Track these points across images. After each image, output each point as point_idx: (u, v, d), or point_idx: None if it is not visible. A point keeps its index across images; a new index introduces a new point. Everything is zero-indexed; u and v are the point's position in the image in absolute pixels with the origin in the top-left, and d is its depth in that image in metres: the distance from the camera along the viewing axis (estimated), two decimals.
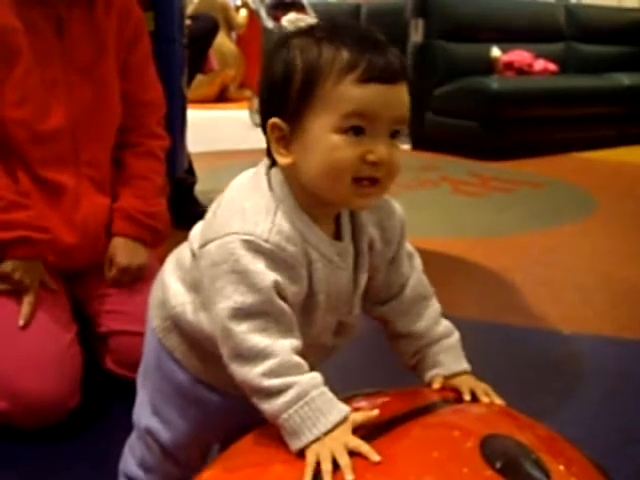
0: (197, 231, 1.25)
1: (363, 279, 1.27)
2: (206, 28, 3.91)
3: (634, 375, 2.37)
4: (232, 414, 1.31)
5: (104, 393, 2.08)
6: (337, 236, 1.22)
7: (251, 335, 1.08)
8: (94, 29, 2.07)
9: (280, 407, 1.06)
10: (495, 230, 4.16)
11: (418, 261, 1.37)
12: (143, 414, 1.39)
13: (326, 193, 1.14)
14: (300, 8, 6.69)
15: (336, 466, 1.00)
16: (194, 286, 1.24)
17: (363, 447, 1.01)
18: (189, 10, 4.37)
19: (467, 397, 1.22)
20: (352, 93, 1.08)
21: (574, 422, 2.02)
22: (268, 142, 1.17)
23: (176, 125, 2.46)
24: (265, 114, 1.16)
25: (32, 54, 1.97)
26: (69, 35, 2.03)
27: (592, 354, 2.54)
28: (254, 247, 1.09)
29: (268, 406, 1.07)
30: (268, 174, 1.18)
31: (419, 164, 5.92)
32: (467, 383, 1.26)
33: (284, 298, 1.11)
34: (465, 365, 1.31)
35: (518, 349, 2.55)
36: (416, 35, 6.43)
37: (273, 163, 1.18)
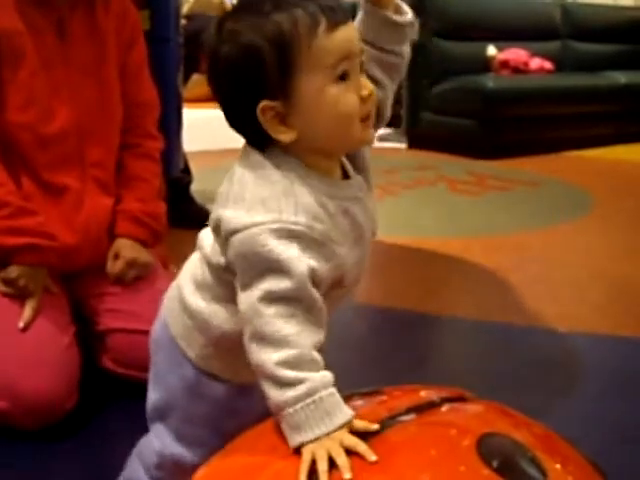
0: (210, 242, 1.24)
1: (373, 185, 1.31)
2: (202, 27, 3.91)
3: (630, 373, 2.37)
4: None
5: (102, 392, 2.08)
6: (345, 175, 1.25)
7: (277, 319, 1.08)
8: (95, 30, 2.07)
9: (287, 400, 1.07)
10: (492, 229, 4.17)
11: None
12: (166, 444, 1.37)
13: (340, 144, 1.19)
14: None
15: (332, 465, 1.00)
16: (228, 298, 1.22)
17: (360, 446, 1.02)
18: (185, 9, 4.37)
19: None
20: (329, 44, 1.12)
21: (570, 420, 2.02)
22: (247, 131, 1.18)
23: (172, 124, 2.46)
24: (237, 105, 1.17)
25: (36, 56, 1.97)
26: (71, 37, 2.03)
27: (588, 352, 2.54)
28: (285, 233, 1.10)
29: (275, 394, 1.08)
30: (265, 156, 1.17)
31: (416, 163, 5.92)
32: None
33: (318, 285, 1.12)
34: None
35: (514, 347, 2.55)
36: None
37: (261, 148, 1.18)
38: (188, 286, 1.31)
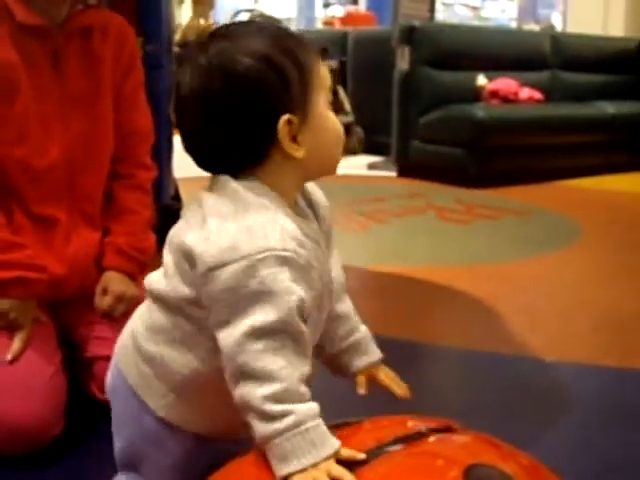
0: (159, 279, 1.24)
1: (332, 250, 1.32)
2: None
3: (615, 403, 2.37)
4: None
5: (88, 418, 2.07)
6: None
7: (265, 355, 1.08)
8: (91, 61, 2.06)
9: (274, 432, 1.07)
10: (480, 258, 4.18)
11: (336, 250, 1.37)
12: None
13: (327, 167, 1.25)
14: None
15: None
16: (187, 341, 1.21)
17: (346, 476, 1.02)
18: (177, 37, 4.39)
19: (400, 391, 1.38)
20: (325, 71, 1.23)
21: (556, 450, 2.02)
22: (223, 157, 1.19)
23: (163, 151, 2.46)
24: (252, 122, 1.16)
25: (30, 89, 1.96)
26: (66, 69, 2.02)
27: (573, 382, 2.54)
28: (275, 261, 1.09)
29: (261, 427, 1.08)
30: (242, 184, 1.17)
31: (405, 191, 5.94)
32: (386, 372, 1.40)
33: (304, 317, 1.12)
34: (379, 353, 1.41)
35: (500, 377, 2.55)
36: (402, 62, 6.46)
37: (235, 175, 1.18)
38: (142, 332, 1.28)
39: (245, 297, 1.09)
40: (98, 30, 2.08)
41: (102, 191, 2.16)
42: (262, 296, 1.08)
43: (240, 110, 1.16)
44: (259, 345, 1.08)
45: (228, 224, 1.12)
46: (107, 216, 2.18)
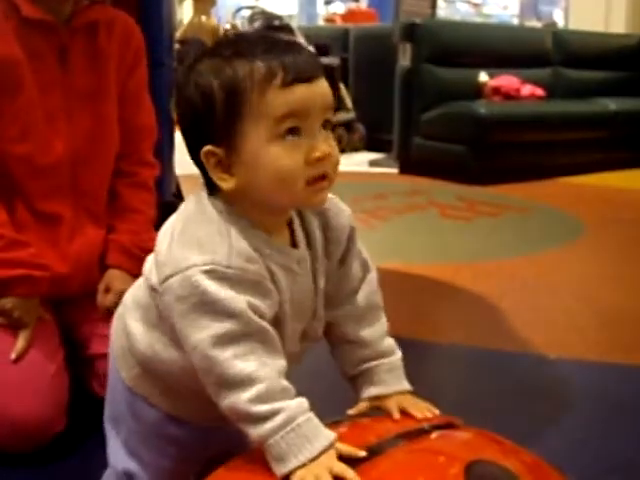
0: (152, 266, 1.23)
1: (322, 283, 1.27)
2: (195, 52, 3.92)
3: (618, 400, 2.37)
4: (211, 445, 1.32)
5: (89, 417, 2.07)
6: (293, 244, 1.23)
7: (236, 361, 1.08)
8: (96, 57, 2.06)
9: (267, 432, 1.06)
10: (482, 254, 4.17)
11: (374, 274, 1.37)
12: (119, 458, 1.38)
13: (282, 201, 1.16)
14: (289, 32, 6.72)
15: None
16: (158, 323, 1.22)
17: (348, 473, 1.02)
18: (178, 34, 4.39)
19: (396, 415, 1.23)
20: (279, 99, 1.10)
21: (559, 448, 2.02)
22: (203, 171, 1.17)
23: (164, 148, 2.46)
24: (193, 144, 1.17)
25: (34, 84, 1.96)
26: (71, 64, 2.01)
27: (577, 379, 2.54)
28: (218, 275, 1.09)
29: (255, 431, 1.08)
30: (211, 200, 1.17)
31: (407, 188, 5.93)
32: (400, 401, 1.26)
33: (262, 316, 1.11)
34: (406, 385, 1.31)
35: (504, 374, 2.55)
36: (404, 59, 6.45)
37: (211, 191, 1.18)
38: (129, 305, 1.31)
39: (195, 307, 1.09)
40: (104, 26, 2.07)
41: (106, 189, 2.16)
42: (211, 305, 1.09)
43: (184, 134, 1.19)
44: (227, 353, 1.08)
45: (186, 238, 1.14)
46: (111, 214, 2.17)
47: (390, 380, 1.30)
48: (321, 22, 11.91)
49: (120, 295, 2.07)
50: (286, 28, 6.77)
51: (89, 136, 2.05)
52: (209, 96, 1.12)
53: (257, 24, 6.79)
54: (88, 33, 2.05)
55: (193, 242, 1.12)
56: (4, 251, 1.93)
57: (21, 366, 1.92)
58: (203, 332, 1.09)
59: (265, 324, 1.11)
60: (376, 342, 1.32)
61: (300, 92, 1.10)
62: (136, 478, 1.35)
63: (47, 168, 2.00)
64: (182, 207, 1.20)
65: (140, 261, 2.13)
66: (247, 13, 6.34)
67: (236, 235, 1.13)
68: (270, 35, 1.18)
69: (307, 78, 1.11)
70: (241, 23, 7.47)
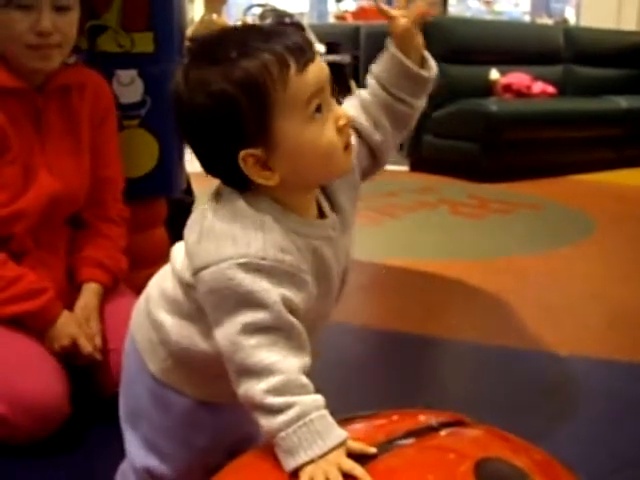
0: (183, 262, 1.24)
1: (352, 226, 1.32)
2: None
3: (628, 397, 2.37)
4: (239, 428, 1.35)
5: (90, 418, 2.08)
6: (321, 214, 1.26)
7: (259, 350, 1.09)
8: (70, 118, 2.13)
9: (279, 425, 1.07)
10: (493, 252, 4.17)
11: (358, 93, 1.36)
12: (138, 455, 1.39)
13: (323, 177, 1.22)
14: (300, 29, 6.72)
15: None
16: (195, 315, 1.24)
17: (357, 470, 1.02)
18: (189, 31, 4.38)
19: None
20: (300, 84, 1.12)
21: (569, 445, 2.01)
22: (233, 175, 1.17)
23: (174, 145, 2.46)
24: (215, 156, 1.17)
25: (16, 148, 2.01)
26: (47, 127, 2.09)
27: (588, 376, 2.54)
28: (253, 267, 1.11)
29: (267, 422, 1.08)
30: (242, 197, 1.18)
31: (417, 186, 5.93)
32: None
33: (293, 312, 1.13)
34: None
35: (513, 371, 2.55)
36: None
37: (240, 190, 1.19)
38: (156, 298, 1.32)
39: (228, 299, 1.12)
40: (76, 88, 2.15)
41: (64, 240, 2.21)
42: (245, 297, 1.10)
43: (201, 145, 1.19)
44: (252, 341, 1.10)
45: (218, 230, 1.15)
46: (80, 241, 2.22)
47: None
48: (332, 20, 11.89)
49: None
50: (297, 26, 6.77)
51: (57, 195, 2.08)
52: (229, 102, 1.11)
53: (268, 22, 6.79)
54: (61, 96, 2.12)
55: (226, 236, 1.13)
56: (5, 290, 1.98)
57: (30, 350, 1.97)
58: (233, 319, 1.11)
59: (295, 321, 1.13)
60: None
61: (312, 71, 1.14)
62: (158, 472, 1.37)
63: (9, 220, 2.02)
64: (210, 205, 1.20)
65: (113, 277, 2.19)
66: (258, 11, 6.34)
67: (270, 226, 1.14)
68: (261, 25, 1.22)
69: (312, 55, 1.15)
70: (252, 21, 7.48)
